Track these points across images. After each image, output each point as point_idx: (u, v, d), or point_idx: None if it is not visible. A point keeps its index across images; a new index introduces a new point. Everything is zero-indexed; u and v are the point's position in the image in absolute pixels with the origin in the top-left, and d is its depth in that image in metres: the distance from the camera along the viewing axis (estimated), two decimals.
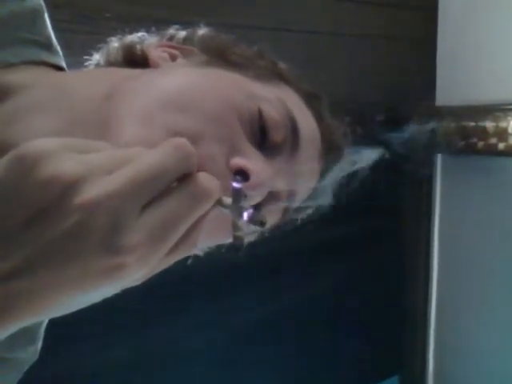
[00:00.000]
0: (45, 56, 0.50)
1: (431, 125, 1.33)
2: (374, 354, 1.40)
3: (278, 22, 1.14)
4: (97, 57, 0.54)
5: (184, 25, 0.56)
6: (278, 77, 0.51)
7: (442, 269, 1.45)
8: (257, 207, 0.42)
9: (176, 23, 0.55)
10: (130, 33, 0.54)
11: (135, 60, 0.51)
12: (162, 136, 0.37)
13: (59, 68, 0.51)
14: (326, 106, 0.54)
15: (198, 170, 0.33)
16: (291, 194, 0.48)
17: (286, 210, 0.49)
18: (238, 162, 0.41)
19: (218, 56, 0.49)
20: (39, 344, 0.52)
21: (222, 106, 0.42)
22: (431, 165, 1.38)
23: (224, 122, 0.42)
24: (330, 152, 0.52)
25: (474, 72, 1.30)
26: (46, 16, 0.51)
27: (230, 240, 0.45)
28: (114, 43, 0.53)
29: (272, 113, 0.44)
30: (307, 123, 0.49)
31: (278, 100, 0.46)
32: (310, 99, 0.52)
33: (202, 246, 0.50)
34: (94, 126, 0.41)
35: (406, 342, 1.51)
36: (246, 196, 0.37)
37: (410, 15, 1.33)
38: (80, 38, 0.78)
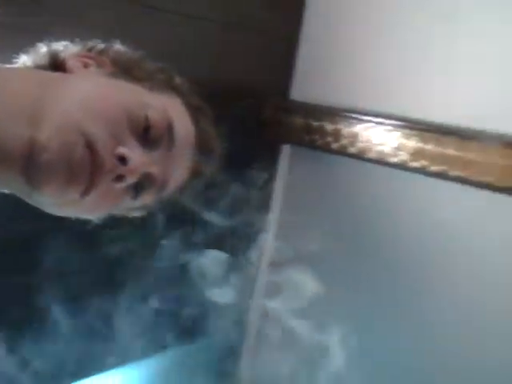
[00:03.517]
0: None
1: (281, 116, 1.44)
2: None
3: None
4: (24, 58, 0.66)
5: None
6: (172, 89, 0.66)
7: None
8: (138, 187, 0.60)
9: None
10: (57, 41, 0.66)
11: (57, 65, 0.64)
12: (73, 135, 0.52)
13: None
14: (207, 116, 0.69)
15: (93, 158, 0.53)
16: (164, 180, 0.62)
17: (159, 193, 0.64)
18: (120, 150, 0.55)
19: (124, 69, 0.63)
20: None
21: (115, 110, 0.56)
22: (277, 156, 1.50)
23: (116, 122, 0.55)
24: (203, 153, 0.67)
25: (329, 75, 1.42)
26: None
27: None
28: (43, 48, 0.65)
29: (154, 117, 0.59)
30: (184, 128, 0.64)
31: (163, 108, 0.60)
32: (194, 109, 0.66)
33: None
34: (22, 120, 0.52)
35: None
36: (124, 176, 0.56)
37: (279, 10, 1.39)
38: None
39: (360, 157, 1.30)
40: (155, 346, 1.43)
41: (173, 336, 1.45)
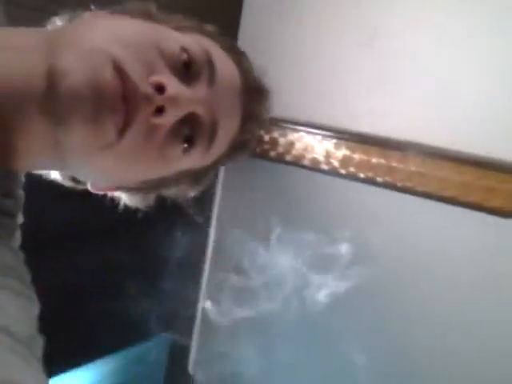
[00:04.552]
0: None
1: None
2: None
3: None
4: None
5: None
6: (203, 33, 0.57)
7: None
8: (185, 131, 0.51)
9: None
10: (73, 11, 0.57)
11: None
12: (99, 59, 0.44)
13: None
14: (247, 57, 0.61)
15: (124, 83, 0.44)
16: (213, 124, 0.53)
17: (209, 144, 0.54)
18: (155, 78, 0.46)
19: (148, 15, 0.55)
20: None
21: (144, 41, 0.48)
22: None
23: (147, 51, 0.47)
24: (253, 95, 0.58)
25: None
26: None
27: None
28: (58, 21, 0.56)
29: (192, 48, 0.51)
30: (225, 63, 0.55)
31: (196, 41, 0.52)
32: (233, 51, 0.58)
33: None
34: (38, 53, 0.45)
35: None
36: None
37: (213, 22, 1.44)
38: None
39: (296, 164, 1.39)
40: (107, 346, 1.49)
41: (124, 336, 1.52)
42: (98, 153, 0.46)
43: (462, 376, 1.22)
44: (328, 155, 1.33)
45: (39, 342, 0.42)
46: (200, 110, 0.50)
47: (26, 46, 0.46)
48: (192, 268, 1.70)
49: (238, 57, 0.58)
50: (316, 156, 1.36)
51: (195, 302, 1.72)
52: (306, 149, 1.38)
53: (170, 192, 0.62)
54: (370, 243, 1.32)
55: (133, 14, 0.53)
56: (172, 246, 1.53)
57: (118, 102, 0.44)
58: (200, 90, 0.51)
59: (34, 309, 0.44)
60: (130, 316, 1.48)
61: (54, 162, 0.50)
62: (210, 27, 0.59)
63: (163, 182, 0.58)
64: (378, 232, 1.34)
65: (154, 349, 1.66)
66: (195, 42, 0.52)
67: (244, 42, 1.50)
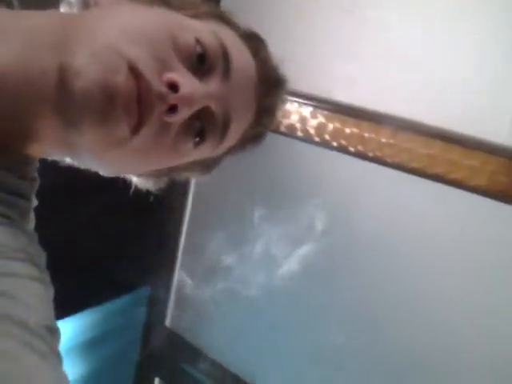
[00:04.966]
0: None
1: None
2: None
3: None
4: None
5: None
6: (218, 18, 0.55)
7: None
8: (196, 126, 0.50)
9: None
10: None
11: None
12: (114, 59, 0.43)
13: None
14: (265, 45, 0.59)
15: (138, 82, 0.43)
16: (226, 119, 0.52)
17: (221, 138, 0.54)
18: (168, 75, 0.45)
19: (163, 1, 0.53)
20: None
21: (158, 33, 0.46)
22: None
23: (160, 45, 0.46)
24: (269, 86, 0.56)
25: None
26: None
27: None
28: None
29: (207, 40, 0.49)
30: (241, 58, 0.53)
31: (212, 32, 0.51)
32: (249, 38, 0.56)
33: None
34: (51, 50, 0.44)
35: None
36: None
37: None
38: None
39: (273, 130, 1.42)
40: (86, 300, 1.55)
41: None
42: (109, 150, 0.46)
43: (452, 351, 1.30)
44: (304, 122, 1.36)
45: (57, 333, 0.41)
46: (213, 105, 0.50)
47: (40, 32, 0.46)
48: (172, 226, 1.75)
49: (255, 45, 0.57)
50: (292, 123, 1.39)
51: (174, 257, 1.78)
52: (283, 115, 1.40)
53: (180, 177, 0.63)
54: (340, 210, 1.37)
55: (149, 0, 0.52)
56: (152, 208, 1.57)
57: (132, 103, 0.43)
58: (214, 85, 0.50)
59: (50, 294, 0.44)
60: (110, 270, 1.53)
61: (66, 154, 0.51)
62: (227, 12, 0.57)
63: (174, 170, 0.58)
64: (349, 200, 1.39)
65: (132, 302, 1.73)
66: (211, 33, 0.50)
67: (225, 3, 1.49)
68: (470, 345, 1.20)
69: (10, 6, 0.54)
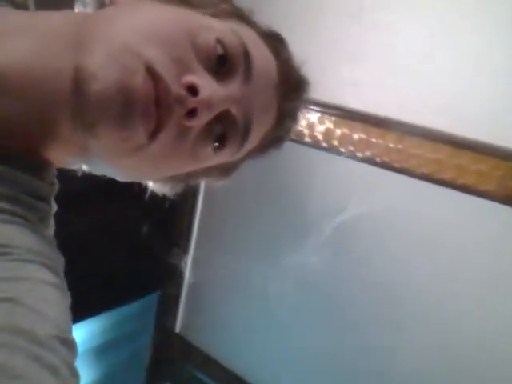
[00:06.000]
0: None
1: None
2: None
3: None
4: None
5: None
6: (238, 17, 0.53)
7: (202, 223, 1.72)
8: (217, 131, 0.48)
9: None
10: None
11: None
12: (131, 61, 0.41)
13: None
14: (286, 45, 0.56)
15: (156, 85, 0.41)
16: (247, 123, 0.50)
17: (242, 143, 0.51)
18: (188, 78, 0.43)
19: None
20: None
21: (177, 33, 0.45)
22: None
23: (179, 46, 0.44)
24: (288, 86, 0.53)
25: None
26: None
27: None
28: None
29: (228, 40, 0.47)
30: (262, 55, 0.51)
31: (232, 31, 0.48)
32: (271, 39, 0.54)
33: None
34: (66, 51, 0.43)
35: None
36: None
37: None
38: None
39: None
40: (97, 305, 1.56)
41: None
42: (127, 156, 0.45)
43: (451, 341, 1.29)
44: (312, 128, 1.36)
45: (72, 346, 0.38)
46: (234, 108, 0.48)
47: (55, 31, 0.45)
48: (181, 230, 1.76)
49: (276, 45, 0.55)
50: (300, 128, 1.39)
51: (184, 263, 1.78)
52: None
53: (197, 181, 0.61)
54: (348, 216, 1.37)
55: None
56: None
57: (150, 107, 0.42)
58: (235, 88, 0.47)
59: (67, 301, 0.41)
60: (121, 276, 1.54)
61: (82, 160, 0.50)
62: (247, 11, 0.55)
63: (192, 175, 0.56)
64: (357, 206, 1.39)
65: (142, 308, 1.74)
66: (232, 32, 0.48)
67: None
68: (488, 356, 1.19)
69: (26, 10, 0.54)
